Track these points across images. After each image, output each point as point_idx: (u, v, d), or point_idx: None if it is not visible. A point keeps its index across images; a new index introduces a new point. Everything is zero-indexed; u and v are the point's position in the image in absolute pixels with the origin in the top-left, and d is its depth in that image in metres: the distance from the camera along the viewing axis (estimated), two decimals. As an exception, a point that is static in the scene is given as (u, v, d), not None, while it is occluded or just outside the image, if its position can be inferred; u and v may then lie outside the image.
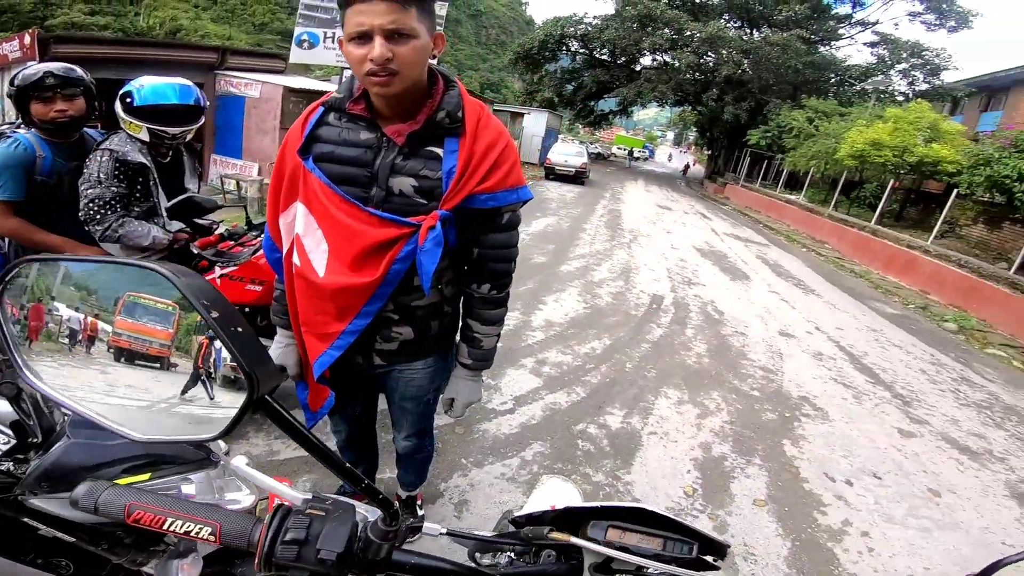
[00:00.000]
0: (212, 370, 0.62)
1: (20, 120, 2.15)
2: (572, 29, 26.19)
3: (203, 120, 2.22)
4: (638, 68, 27.02)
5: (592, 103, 30.23)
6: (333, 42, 8.23)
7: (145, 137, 2.08)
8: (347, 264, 1.20)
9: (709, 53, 22.92)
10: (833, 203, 14.63)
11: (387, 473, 2.17)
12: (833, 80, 23.12)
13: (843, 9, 25.18)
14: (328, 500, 0.62)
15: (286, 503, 0.62)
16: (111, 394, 0.63)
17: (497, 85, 79.73)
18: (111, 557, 1.00)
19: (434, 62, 1.19)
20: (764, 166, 20.95)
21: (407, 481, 1.92)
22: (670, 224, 11.73)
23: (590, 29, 25.75)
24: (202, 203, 2.26)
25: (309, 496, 0.63)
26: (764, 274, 7.99)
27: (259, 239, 2.44)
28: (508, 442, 2.70)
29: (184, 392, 0.61)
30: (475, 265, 1.34)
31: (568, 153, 17.59)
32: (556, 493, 1.05)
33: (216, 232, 2.40)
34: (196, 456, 0.96)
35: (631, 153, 39.51)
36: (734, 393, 3.66)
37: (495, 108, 21.38)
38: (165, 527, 0.56)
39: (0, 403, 1.05)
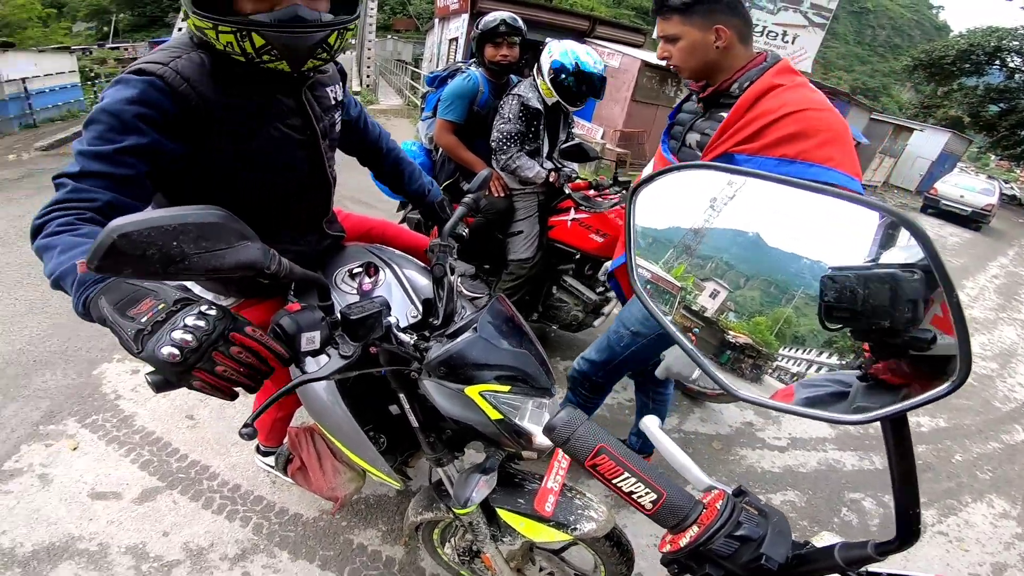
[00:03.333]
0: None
1: (472, 60, 2.55)
2: (1017, 43, 20.82)
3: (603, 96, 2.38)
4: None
5: (1024, 132, 22.57)
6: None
7: (550, 101, 2.30)
8: None
9: None
10: None
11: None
12: None
13: None
14: (760, 500, 0.55)
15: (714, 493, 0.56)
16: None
17: (875, 91, 66.39)
18: (428, 450, 1.08)
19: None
20: None
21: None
22: (1114, 317, 8.00)
23: (1047, 45, 19.30)
24: (588, 151, 2.45)
25: (731, 490, 0.56)
26: None
27: (619, 195, 2.53)
28: (763, 478, 2.45)
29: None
30: None
31: (968, 187, 13.40)
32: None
33: (583, 180, 2.56)
34: (546, 385, 1.00)
35: (1073, 206, 27.79)
36: (1093, 534, 2.47)
37: (871, 117, 17.96)
38: (616, 481, 0.51)
39: (423, 280, 1.21)
